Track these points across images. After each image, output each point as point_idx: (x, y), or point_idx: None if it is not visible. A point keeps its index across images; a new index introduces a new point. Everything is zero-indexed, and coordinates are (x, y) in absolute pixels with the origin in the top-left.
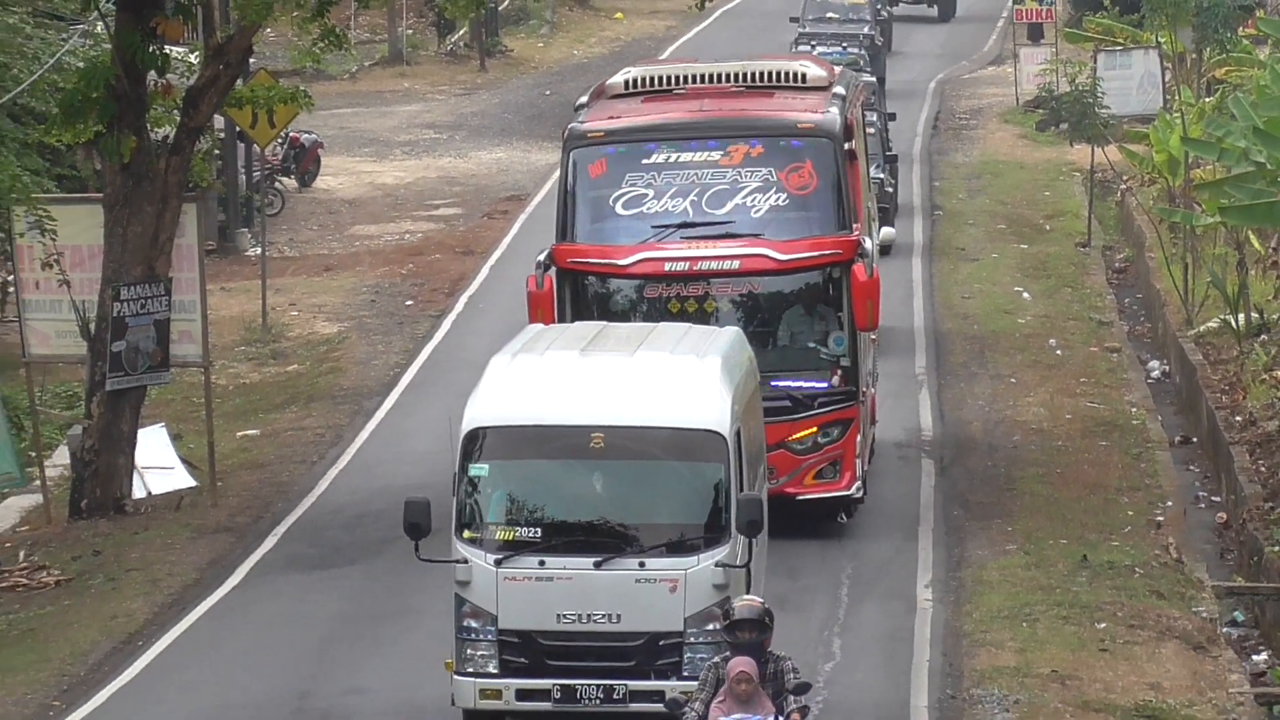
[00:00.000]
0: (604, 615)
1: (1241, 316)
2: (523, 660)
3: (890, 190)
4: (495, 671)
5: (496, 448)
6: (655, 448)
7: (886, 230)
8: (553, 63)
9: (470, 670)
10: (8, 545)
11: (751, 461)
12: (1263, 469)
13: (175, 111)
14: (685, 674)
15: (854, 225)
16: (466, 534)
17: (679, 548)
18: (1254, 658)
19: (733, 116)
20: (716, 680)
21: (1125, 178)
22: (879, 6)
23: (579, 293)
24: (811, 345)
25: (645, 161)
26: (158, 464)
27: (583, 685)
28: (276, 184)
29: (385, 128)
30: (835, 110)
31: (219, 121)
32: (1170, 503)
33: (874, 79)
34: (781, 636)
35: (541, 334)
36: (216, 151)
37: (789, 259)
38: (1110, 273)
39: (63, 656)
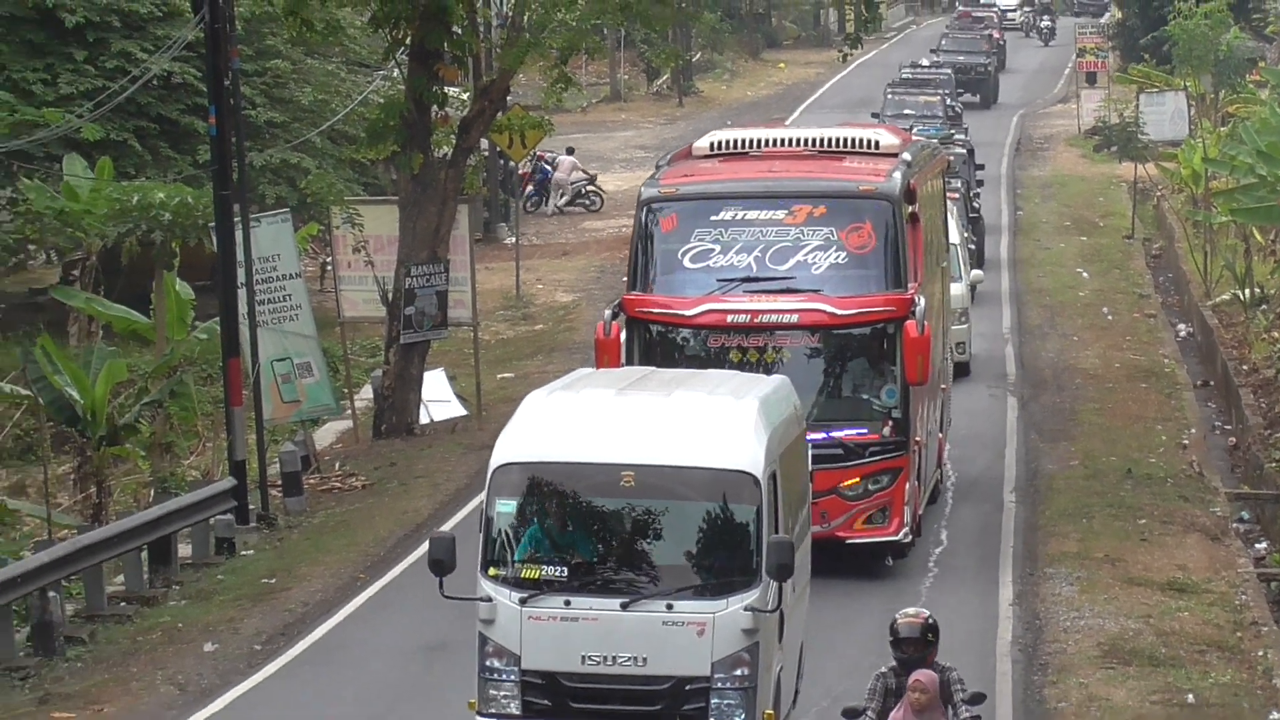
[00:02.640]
0: (629, 658)
1: (1247, 291)
2: (546, 702)
3: (973, 248)
4: (518, 713)
5: (525, 484)
6: (686, 488)
7: (976, 273)
8: (733, 100)
9: (493, 711)
10: (326, 458)
11: (791, 506)
12: (1263, 405)
13: (452, 136)
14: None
15: (910, 284)
16: (492, 571)
17: (708, 590)
18: (1256, 546)
19: (798, 178)
20: (885, 690)
21: (1160, 187)
22: (949, 104)
23: (644, 341)
24: (864, 397)
25: (714, 218)
26: (438, 398)
27: None
28: (589, 188)
29: (607, 148)
30: (898, 175)
31: (484, 143)
32: (1193, 430)
33: (964, 150)
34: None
35: (585, 376)
36: (480, 163)
37: (845, 314)
38: (1148, 258)
39: (367, 541)
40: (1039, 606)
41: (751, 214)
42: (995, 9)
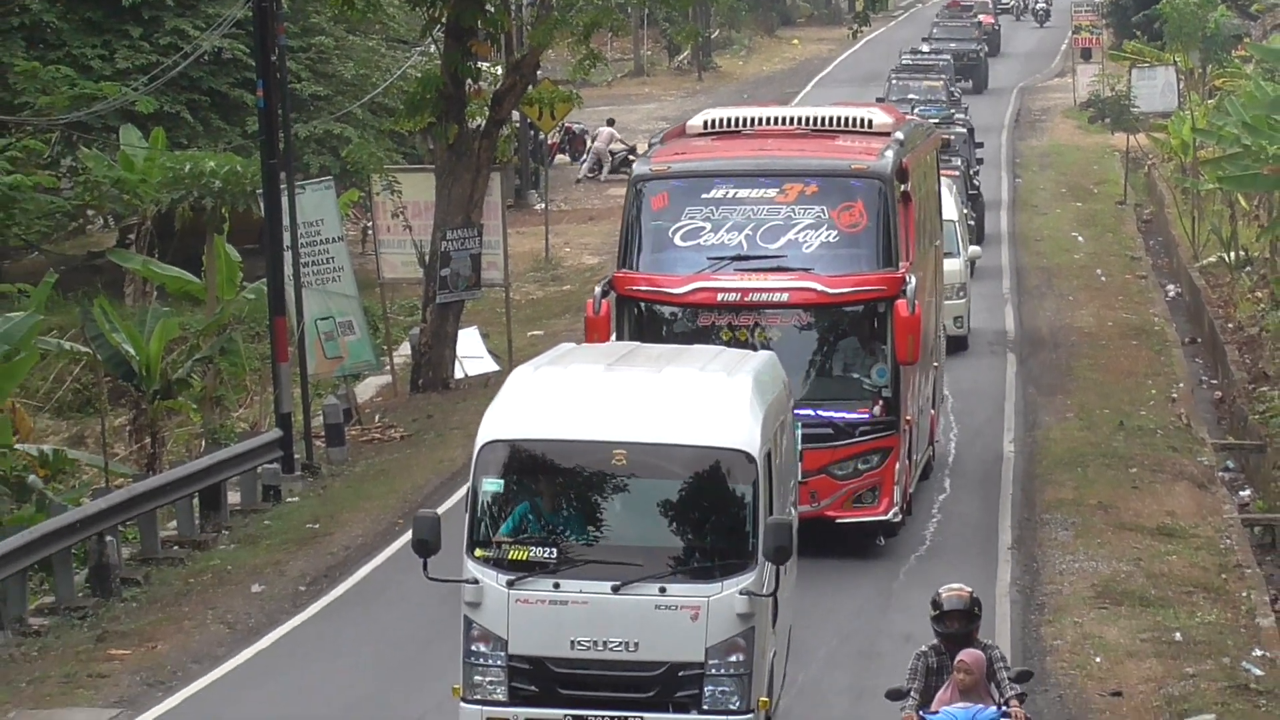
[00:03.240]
0: (621, 643)
1: (1233, 254)
2: (533, 688)
3: (972, 224)
4: (504, 699)
5: (512, 462)
6: (680, 467)
7: (974, 249)
8: (749, 75)
9: (478, 698)
10: (367, 410)
11: (781, 486)
12: (1247, 361)
13: (485, 108)
14: (705, 707)
15: (901, 263)
16: (478, 553)
17: (702, 573)
18: (1241, 493)
19: (790, 156)
20: (926, 669)
21: (1151, 156)
22: (950, 89)
23: (634, 319)
24: (855, 376)
25: (704, 196)
26: (472, 354)
27: (596, 716)
28: (631, 157)
29: (631, 120)
30: (890, 154)
31: (515, 115)
32: (1182, 384)
33: (964, 130)
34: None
35: (571, 350)
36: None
37: (835, 293)
38: (1139, 223)
39: (405, 489)
40: (1036, 550)
41: (743, 192)
42: None
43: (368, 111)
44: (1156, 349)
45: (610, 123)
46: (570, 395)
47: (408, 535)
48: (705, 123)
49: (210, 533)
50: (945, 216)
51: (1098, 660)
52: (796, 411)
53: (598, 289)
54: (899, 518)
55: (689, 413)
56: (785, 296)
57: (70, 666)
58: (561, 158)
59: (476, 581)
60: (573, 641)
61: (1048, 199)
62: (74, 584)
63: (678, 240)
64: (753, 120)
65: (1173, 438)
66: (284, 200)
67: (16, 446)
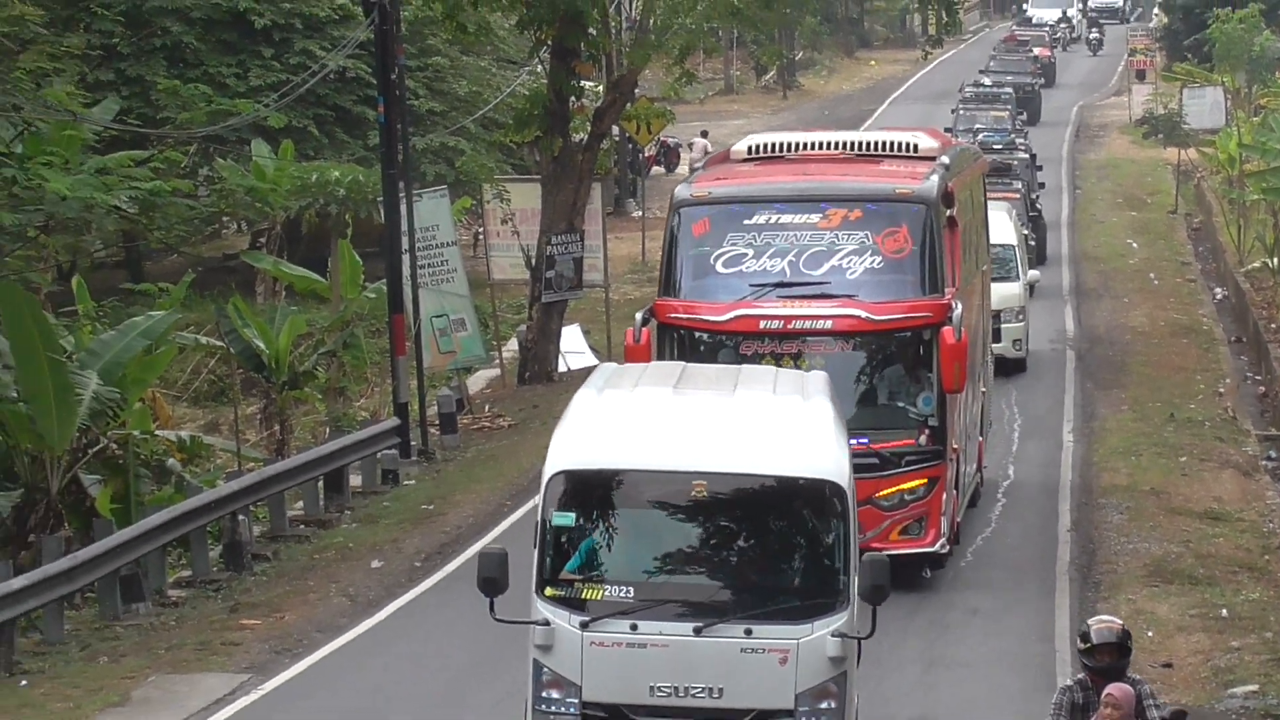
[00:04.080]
0: (704, 689)
1: (1276, 259)
2: None
3: (1033, 244)
4: None
5: (584, 494)
6: (765, 498)
7: (1033, 273)
8: (829, 93)
9: None
10: (477, 401)
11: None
12: None
13: (587, 123)
14: None
15: (947, 289)
16: (548, 591)
17: (790, 614)
18: None
19: (833, 181)
20: (1071, 705)
21: (1200, 169)
22: (1015, 119)
23: (674, 347)
24: (900, 404)
25: (747, 222)
26: (574, 349)
27: None
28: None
29: (722, 134)
30: (936, 178)
31: (615, 129)
32: (1228, 379)
33: (1026, 155)
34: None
35: (621, 372)
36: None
37: (880, 320)
38: (1189, 231)
39: (512, 473)
40: (1093, 532)
41: (785, 218)
42: (1047, 27)
43: (479, 126)
44: (1204, 347)
45: (704, 134)
46: (642, 421)
47: (515, 515)
48: (750, 148)
49: (333, 512)
50: (1004, 241)
51: (1150, 634)
52: None
53: (638, 316)
54: (946, 549)
55: (772, 439)
56: (829, 324)
57: (205, 635)
58: (657, 169)
59: (547, 623)
60: (652, 688)
61: (1105, 208)
62: (209, 559)
63: (719, 267)
64: (797, 145)
65: (1219, 429)
66: (402, 207)
67: (157, 433)
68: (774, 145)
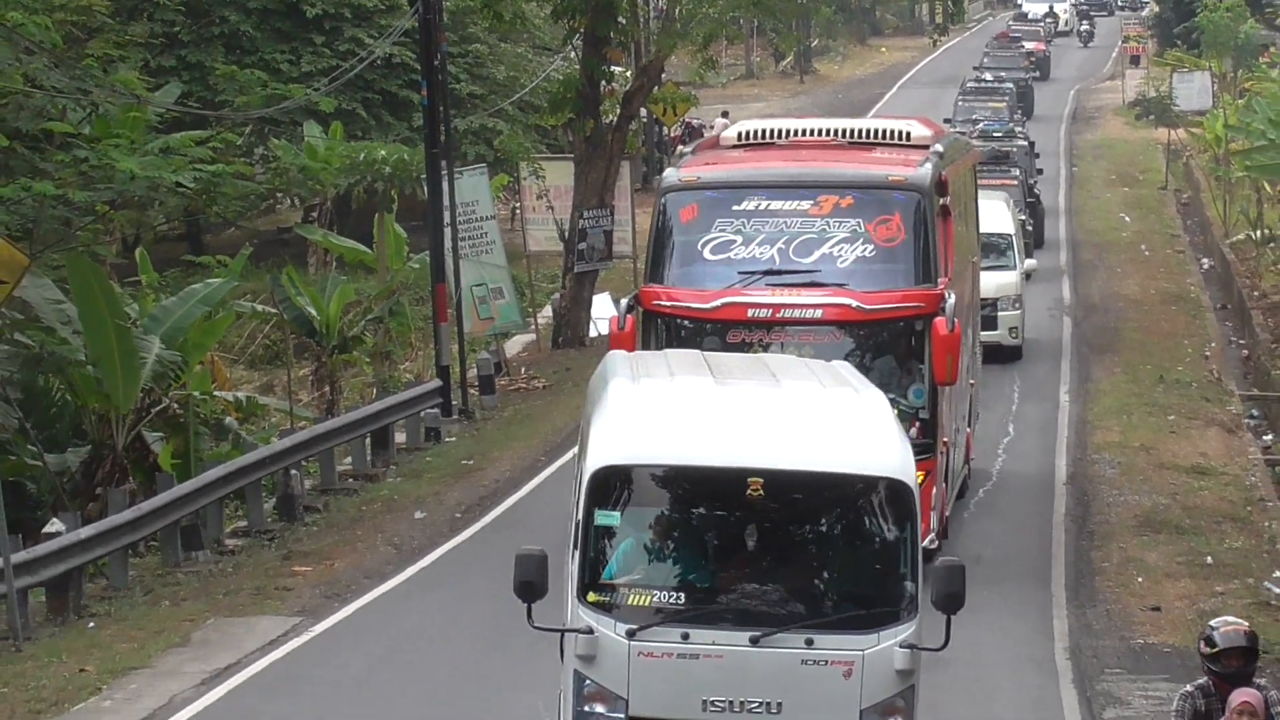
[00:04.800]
0: (761, 704)
1: (1259, 232)
2: None
3: (1030, 229)
4: None
5: (631, 492)
6: (827, 498)
7: (1030, 262)
8: (843, 78)
9: None
10: (514, 364)
11: None
12: (1271, 324)
13: (617, 105)
14: None
15: (940, 279)
16: (591, 597)
17: (855, 623)
18: (1264, 438)
19: (825, 167)
20: (1194, 712)
21: (1188, 148)
22: (1013, 109)
23: (660, 335)
24: (891, 396)
25: (735, 208)
26: (605, 316)
27: None
28: None
29: (742, 115)
30: (929, 166)
31: (643, 112)
32: (1214, 344)
33: (1025, 143)
34: (978, 428)
35: (642, 360)
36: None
37: (871, 310)
38: (1178, 206)
39: (546, 431)
40: (1087, 486)
41: (775, 204)
42: (1040, 22)
43: (516, 109)
44: (1192, 314)
45: (725, 114)
46: (692, 414)
47: (550, 470)
48: (740, 134)
49: (380, 467)
50: (1002, 230)
51: (1139, 580)
52: None
53: (623, 303)
54: (935, 544)
55: (833, 435)
56: (819, 313)
57: (260, 581)
58: (682, 148)
59: (591, 631)
60: (705, 702)
61: (1099, 185)
62: (264, 511)
63: (707, 254)
64: (788, 131)
65: (1205, 390)
66: (444, 184)
67: (215, 393)
68: (764, 132)
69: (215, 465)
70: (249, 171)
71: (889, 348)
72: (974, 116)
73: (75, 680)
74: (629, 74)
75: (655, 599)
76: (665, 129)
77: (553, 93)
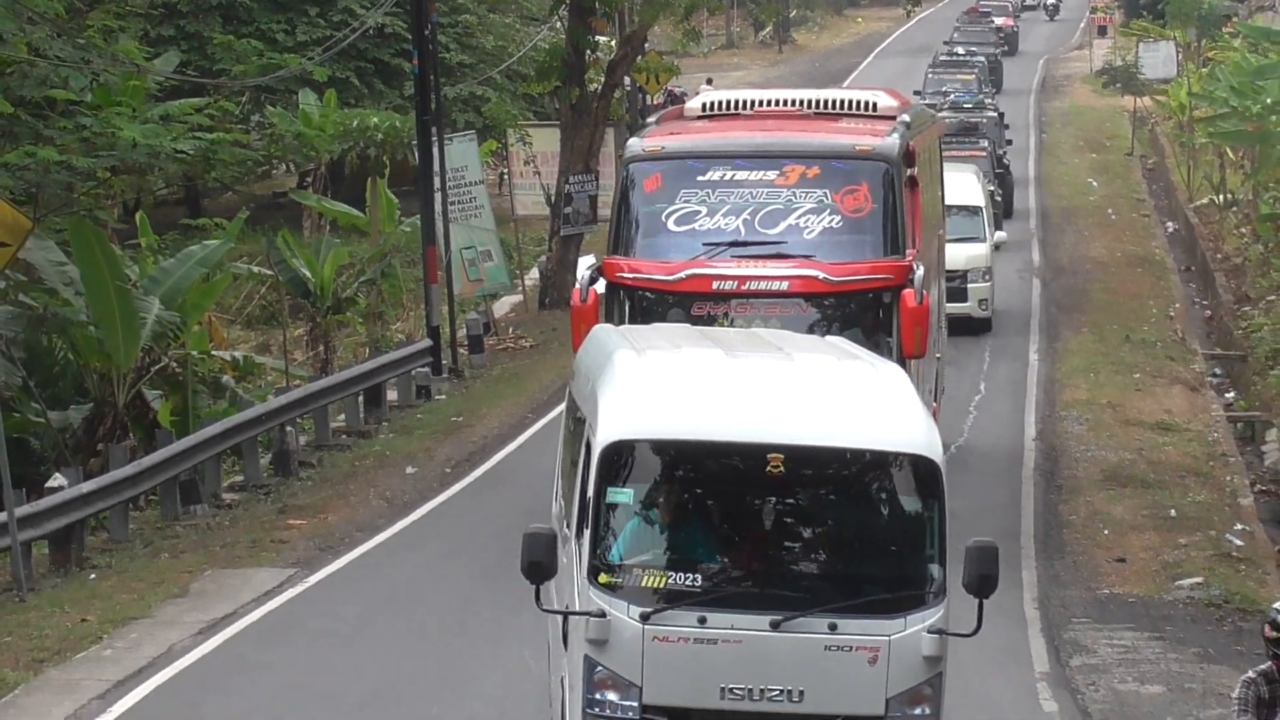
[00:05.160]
0: (782, 692)
1: (1222, 196)
2: None
3: (999, 200)
4: None
5: (645, 467)
6: (852, 476)
7: (1000, 234)
8: (821, 48)
9: None
10: (502, 324)
11: None
12: (1232, 286)
13: (601, 74)
14: None
15: (908, 250)
16: (603, 579)
17: (881, 607)
18: (1226, 395)
19: (791, 137)
20: (1257, 700)
21: (1154, 116)
22: (982, 82)
23: (623, 308)
24: None
25: (700, 178)
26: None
27: None
28: None
29: (722, 85)
30: (896, 136)
31: (627, 80)
32: (1178, 304)
33: (995, 114)
34: (949, 387)
35: (638, 334)
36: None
37: (838, 281)
38: (1144, 171)
39: (533, 389)
40: (1056, 441)
41: (741, 174)
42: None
43: (504, 77)
44: (1157, 275)
45: (709, 82)
46: (705, 386)
47: (537, 426)
48: (704, 105)
49: (372, 424)
50: (972, 202)
51: (1105, 532)
52: None
53: (585, 274)
54: None
55: (855, 409)
56: (785, 285)
57: (256, 534)
58: (648, 119)
59: (603, 614)
60: (723, 690)
61: (1068, 151)
62: (260, 466)
63: (671, 225)
64: (753, 102)
65: (1170, 349)
66: (434, 150)
67: (213, 353)
68: (729, 103)
69: (213, 422)
70: (246, 139)
71: (856, 320)
72: (944, 89)
73: (77, 630)
74: (613, 44)
75: (670, 581)
76: (648, 97)
77: (539, 62)
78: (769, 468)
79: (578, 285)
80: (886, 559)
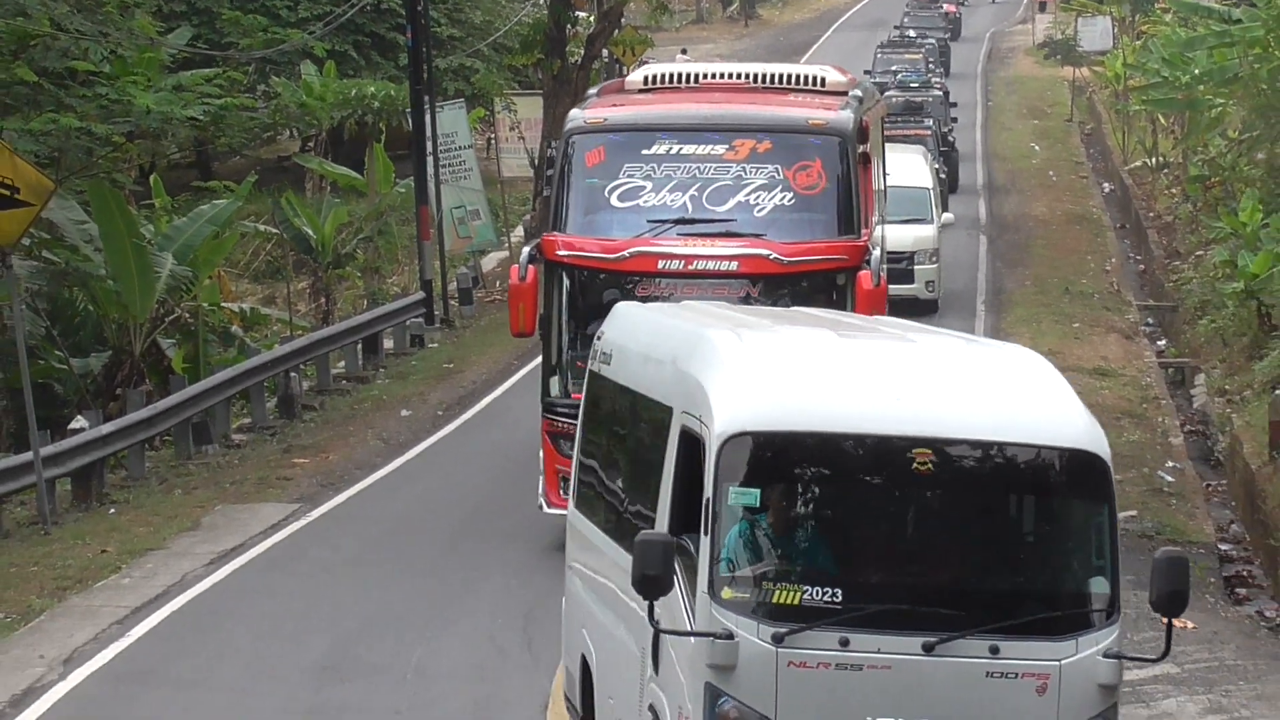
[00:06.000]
0: None
1: (1154, 159)
2: None
3: (944, 178)
4: None
5: (772, 465)
6: (1013, 475)
7: (946, 215)
8: (784, 23)
9: None
10: (490, 278)
11: None
12: (1164, 242)
13: (581, 47)
14: None
15: (863, 230)
16: (727, 594)
17: (1049, 628)
18: (1158, 343)
19: (741, 109)
20: None
21: (1091, 85)
22: (930, 62)
23: (563, 288)
24: None
25: (645, 152)
26: None
27: None
28: None
29: (698, 56)
30: (849, 111)
31: (605, 53)
32: (1114, 259)
33: (940, 93)
34: None
35: (694, 308)
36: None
37: (791, 262)
38: (1082, 136)
39: (520, 341)
40: None
41: (688, 148)
42: None
43: (491, 49)
44: (1094, 232)
45: (684, 51)
46: (831, 371)
47: (522, 372)
48: (645, 78)
49: (370, 370)
50: (919, 183)
51: None
52: None
53: (525, 252)
54: None
55: (1006, 398)
56: (735, 265)
57: (263, 471)
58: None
59: (731, 636)
60: None
61: (1012, 118)
62: (266, 409)
63: (614, 200)
64: (697, 76)
65: (1106, 300)
66: (427, 117)
67: (223, 305)
68: (673, 76)
69: (222, 369)
70: (253, 103)
71: (809, 302)
72: (893, 67)
73: (98, 560)
74: (591, 19)
75: (806, 596)
76: (625, 68)
77: (523, 35)
78: (915, 464)
79: (516, 263)
80: (1052, 571)
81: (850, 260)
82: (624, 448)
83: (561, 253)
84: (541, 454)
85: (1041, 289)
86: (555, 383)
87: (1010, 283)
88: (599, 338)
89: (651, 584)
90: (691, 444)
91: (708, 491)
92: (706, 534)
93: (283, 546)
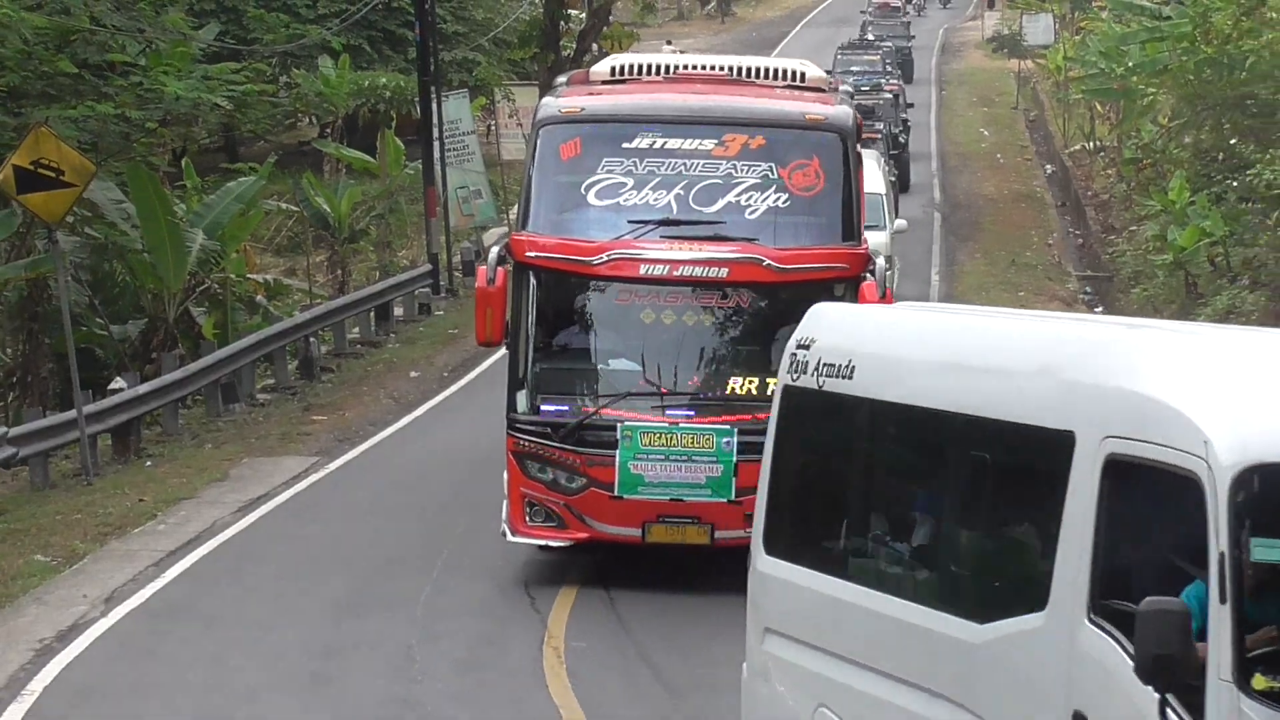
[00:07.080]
0: None
1: (1092, 143)
2: None
3: (894, 180)
4: None
5: None
6: None
7: (899, 222)
8: (758, 19)
9: None
10: (489, 253)
11: None
12: (1101, 218)
13: (573, 42)
14: None
15: (863, 236)
16: (1260, 683)
17: None
18: (1096, 310)
19: (731, 101)
20: None
21: (1035, 76)
22: (887, 65)
23: (533, 293)
24: None
25: (626, 146)
26: None
27: None
28: None
29: (680, 51)
30: (847, 107)
31: (595, 47)
32: (1055, 234)
33: (891, 95)
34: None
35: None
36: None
37: (788, 270)
38: (1027, 122)
39: None
40: None
41: (673, 142)
42: None
43: (492, 44)
44: (1038, 210)
45: (669, 43)
46: None
47: None
48: (612, 69)
49: (382, 336)
50: (873, 189)
51: None
52: (734, 419)
53: (493, 253)
54: None
55: None
56: (725, 272)
57: (285, 427)
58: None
59: None
60: None
61: (963, 106)
62: (288, 370)
63: (591, 198)
64: (668, 67)
65: (1049, 271)
66: (433, 106)
67: (248, 276)
68: (642, 67)
69: (248, 334)
70: (274, 89)
71: (800, 315)
72: (852, 68)
73: (135, 508)
74: (583, 16)
75: None
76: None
77: (521, 31)
78: None
79: (484, 265)
80: None
81: (852, 270)
82: (913, 483)
83: (531, 254)
84: (506, 476)
85: (990, 260)
86: (523, 397)
87: (962, 255)
88: (803, 345)
89: (1166, 667)
90: (1125, 478)
91: (1219, 545)
92: (1224, 601)
93: (303, 496)
